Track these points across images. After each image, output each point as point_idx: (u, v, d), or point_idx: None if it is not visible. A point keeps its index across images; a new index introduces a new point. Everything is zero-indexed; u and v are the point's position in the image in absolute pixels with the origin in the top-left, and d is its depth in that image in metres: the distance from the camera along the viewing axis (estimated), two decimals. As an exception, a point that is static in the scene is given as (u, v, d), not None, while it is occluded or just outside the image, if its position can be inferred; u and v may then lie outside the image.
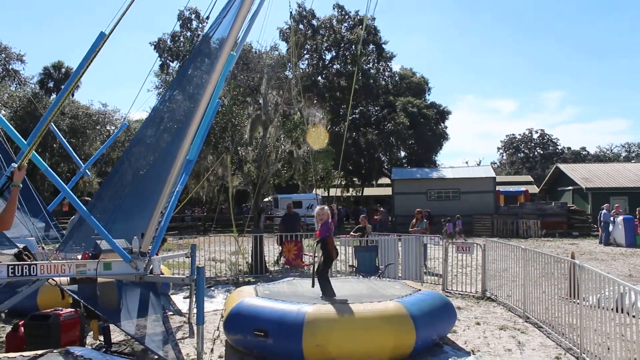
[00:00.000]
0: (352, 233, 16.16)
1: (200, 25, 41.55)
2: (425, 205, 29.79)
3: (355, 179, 50.67)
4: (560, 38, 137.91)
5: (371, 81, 45.74)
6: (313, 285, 8.24)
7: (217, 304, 11.26)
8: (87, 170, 11.20)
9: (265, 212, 20.23)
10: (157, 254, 6.81)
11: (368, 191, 55.23)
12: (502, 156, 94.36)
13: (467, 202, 35.06)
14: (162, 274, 7.85)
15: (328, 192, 53.06)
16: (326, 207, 8.37)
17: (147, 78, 47.30)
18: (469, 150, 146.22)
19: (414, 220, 16.84)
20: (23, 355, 4.82)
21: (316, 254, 8.51)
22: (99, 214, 6.66)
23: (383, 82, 48.87)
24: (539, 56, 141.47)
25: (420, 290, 8.60)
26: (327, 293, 8.17)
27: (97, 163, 29.72)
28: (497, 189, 37.54)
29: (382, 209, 37.05)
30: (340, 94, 46.42)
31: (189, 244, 13.50)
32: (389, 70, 49.91)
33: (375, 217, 29.34)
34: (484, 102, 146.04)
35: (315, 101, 37.37)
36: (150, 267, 6.54)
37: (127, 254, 6.32)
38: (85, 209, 6.06)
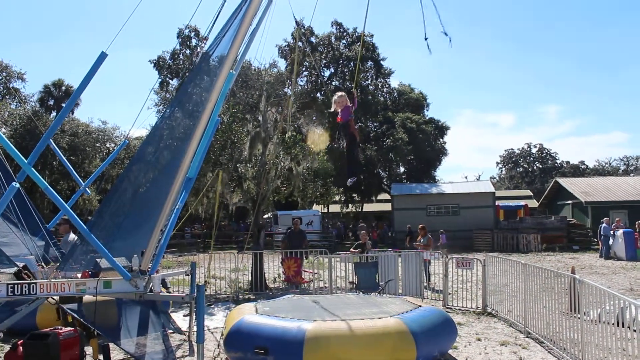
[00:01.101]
0: (352, 249, 16.15)
1: (200, 44, 41.86)
2: (424, 221, 29.75)
3: (354, 195, 50.65)
4: (558, 52, 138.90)
5: (370, 97, 45.96)
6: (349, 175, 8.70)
7: (217, 321, 11.21)
8: (87, 188, 11.20)
9: (265, 229, 20.21)
10: (157, 271, 6.80)
11: (368, 207, 55.23)
12: (501, 171, 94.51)
13: (466, 217, 35.05)
14: (162, 292, 7.82)
15: (328, 208, 53.09)
16: (343, 94, 8.53)
17: (148, 96, 47.53)
18: (468, 165, 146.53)
19: (419, 237, 16.85)
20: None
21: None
22: (98, 232, 6.66)
23: (382, 98, 49.15)
24: (537, 70, 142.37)
25: (420, 306, 8.57)
26: (355, 171, 8.89)
27: (97, 181, 29.76)
28: (496, 204, 37.56)
29: (363, 223, 37.01)
30: (339, 110, 46.66)
31: (188, 261, 13.45)
32: (387, 86, 50.21)
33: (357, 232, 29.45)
34: (482, 117, 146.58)
35: (314, 117, 37.49)
36: (150, 285, 6.53)
37: (127, 272, 6.31)
38: (85, 227, 6.07)
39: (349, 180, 8.72)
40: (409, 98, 50.31)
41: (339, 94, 8.49)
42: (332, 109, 8.58)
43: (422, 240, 16.56)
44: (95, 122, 41.07)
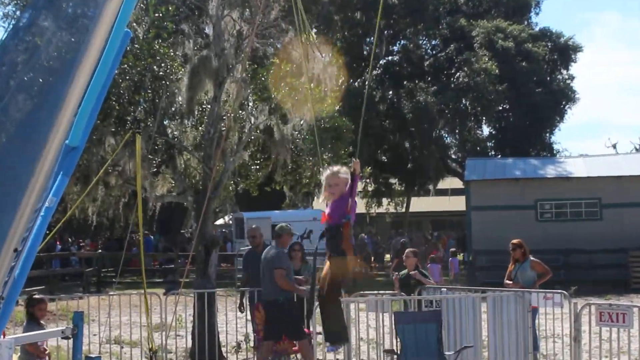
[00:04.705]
0: (395, 277, 16.14)
1: None
2: (530, 232, 29.68)
3: (392, 181, 50.61)
4: None
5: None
6: (308, 319, 8.67)
7: None
8: None
9: (218, 247, 19.99)
10: (4, 334, 6.79)
11: (418, 204, 55.28)
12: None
13: (616, 225, 34.88)
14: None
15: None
16: (344, 169, 8.37)
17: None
18: (616, 121, 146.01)
19: (510, 265, 16.74)
20: None
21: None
22: None
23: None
24: None
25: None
26: (338, 335, 8.50)
27: None
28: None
29: (405, 237, 37.12)
30: (362, 16, 46.51)
31: (69, 312, 13.44)
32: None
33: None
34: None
35: (314, 30, 37.35)
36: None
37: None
38: None
39: (329, 347, 8.80)
40: (501, -10, 50.25)
41: (333, 169, 8.37)
42: (321, 199, 8.49)
43: (520, 272, 16.42)
44: None
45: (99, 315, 16.70)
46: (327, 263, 8.39)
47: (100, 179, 16.21)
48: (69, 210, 15.98)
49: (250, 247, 17.14)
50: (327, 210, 8.24)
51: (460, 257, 41.53)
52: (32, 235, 6.89)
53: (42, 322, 12.15)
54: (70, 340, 8.85)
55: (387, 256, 43.87)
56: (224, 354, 16.37)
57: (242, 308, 16.86)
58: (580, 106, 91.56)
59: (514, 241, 16.82)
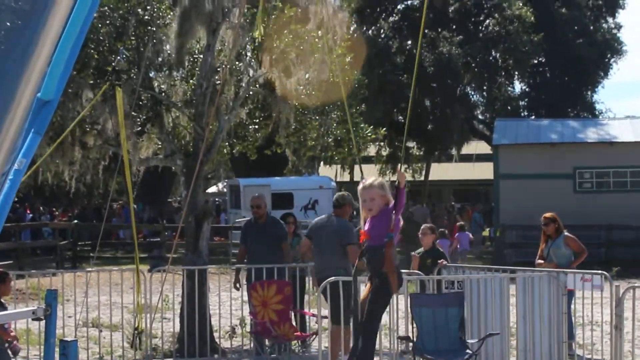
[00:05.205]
0: (414, 255, 16.20)
1: None
2: (570, 203, 29.69)
3: (410, 145, 50.54)
4: None
5: None
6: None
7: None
8: None
9: (211, 218, 19.98)
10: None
11: (439, 171, 55.25)
12: None
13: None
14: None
15: (352, 173, 52.84)
16: (378, 181, 8.37)
17: None
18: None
19: (542, 243, 16.74)
20: None
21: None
22: None
23: None
24: None
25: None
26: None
27: None
28: None
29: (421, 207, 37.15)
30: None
31: (41, 290, 13.52)
32: None
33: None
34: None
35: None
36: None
37: None
38: None
39: None
40: None
41: (373, 180, 8.44)
42: (361, 218, 8.57)
43: (553, 250, 16.44)
44: None
45: (74, 294, 16.76)
46: (368, 285, 8.46)
47: (76, 139, 16.19)
48: (40, 173, 15.96)
49: (246, 218, 17.09)
50: (365, 227, 8.26)
51: (485, 232, 41.63)
52: (-1, 202, 6.94)
53: (2, 301, 12.19)
54: (42, 322, 8.91)
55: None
56: (217, 340, 16.38)
57: (237, 285, 16.86)
58: (627, 60, 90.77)
59: (547, 215, 16.82)
